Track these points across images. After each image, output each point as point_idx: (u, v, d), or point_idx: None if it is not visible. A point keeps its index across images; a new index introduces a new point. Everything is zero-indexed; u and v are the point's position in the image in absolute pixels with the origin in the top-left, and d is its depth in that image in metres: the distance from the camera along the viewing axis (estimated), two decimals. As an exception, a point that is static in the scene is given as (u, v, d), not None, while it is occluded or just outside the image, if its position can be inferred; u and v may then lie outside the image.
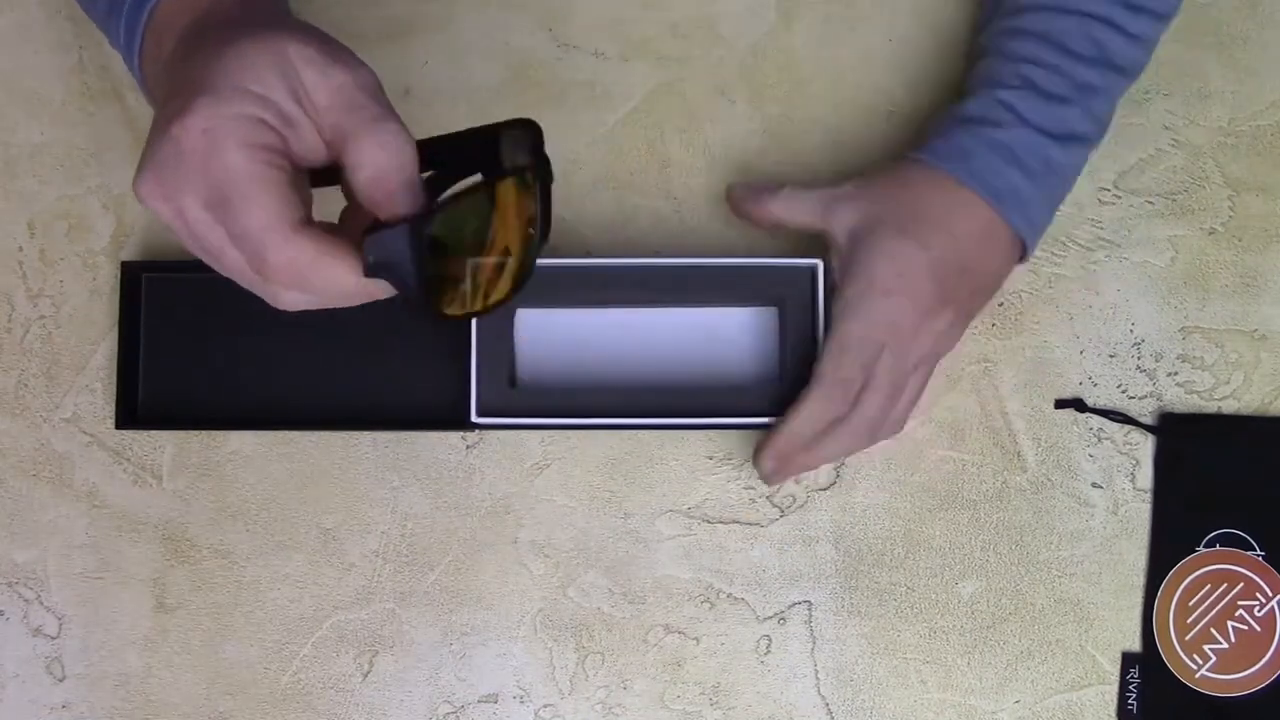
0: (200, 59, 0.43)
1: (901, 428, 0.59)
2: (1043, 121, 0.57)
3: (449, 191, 0.47)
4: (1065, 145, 0.58)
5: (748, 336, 0.63)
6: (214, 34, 0.44)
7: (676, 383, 0.62)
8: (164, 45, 0.48)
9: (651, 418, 0.60)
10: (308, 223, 0.43)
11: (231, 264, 0.43)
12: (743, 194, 0.62)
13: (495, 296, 0.47)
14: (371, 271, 0.43)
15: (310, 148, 0.44)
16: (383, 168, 0.43)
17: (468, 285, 0.46)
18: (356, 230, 0.44)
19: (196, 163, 0.42)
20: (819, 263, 0.60)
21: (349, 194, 0.45)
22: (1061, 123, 0.57)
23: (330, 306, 0.45)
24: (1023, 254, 0.60)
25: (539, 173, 0.47)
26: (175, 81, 0.44)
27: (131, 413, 0.63)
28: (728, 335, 0.63)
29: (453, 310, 0.46)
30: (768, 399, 0.60)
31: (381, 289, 0.44)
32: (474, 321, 0.60)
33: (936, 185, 0.57)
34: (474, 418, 0.60)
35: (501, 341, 0.60)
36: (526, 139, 0.48)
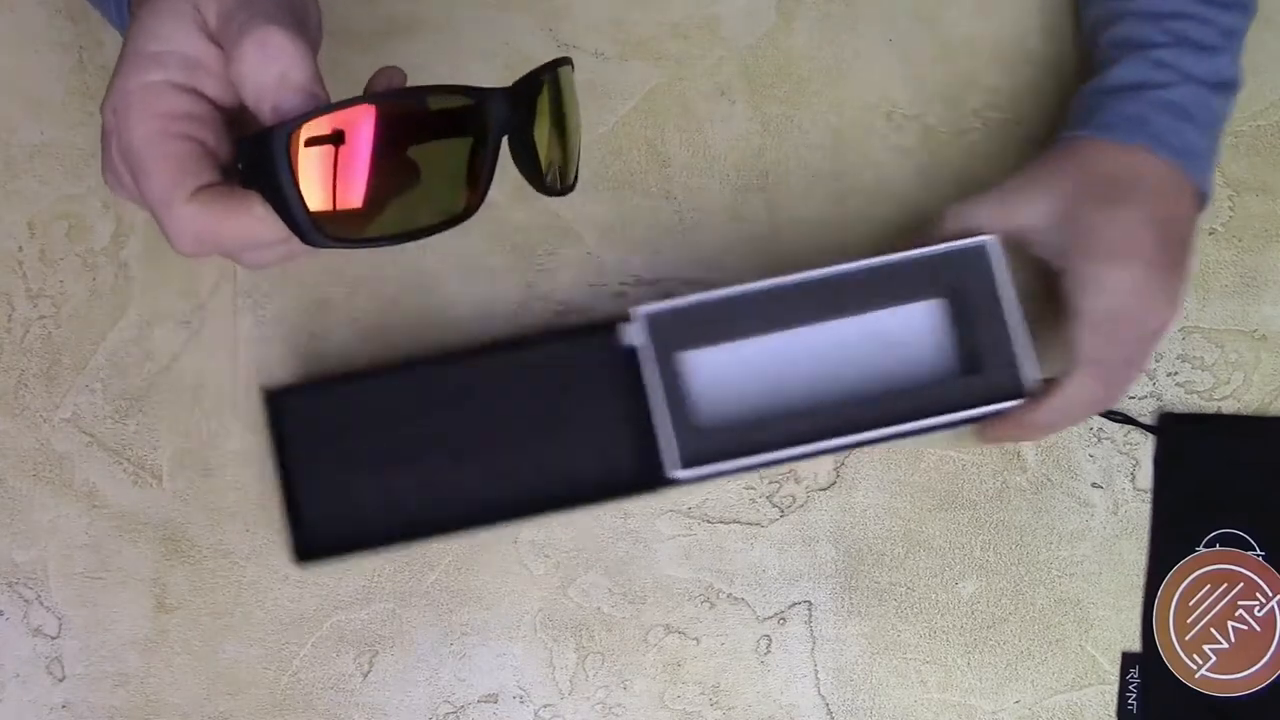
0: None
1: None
2: (1204, 74, 0.58)
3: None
4: (1223, 94, 0.59)
5: (916, 332, 0.59)
6: None
7: (861, 393, 0.58)
8: None
9: (860, 432, 0.56)
10: (209, 186, 0.42)
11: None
12: (917, 242, 0.58)
13: (415, 224, 0.43)
14: (244, 182, 0.42)
15: (220, 82, 0.43)
16: (258, 79, 0.41)
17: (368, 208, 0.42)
18: None
19: (115, 141, 0.42)
20: (990, 239, 0.57)
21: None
22: (1217, 72, 0.58)
23: (284, 260, 0.44)
24: (1203, 202, 0.59)
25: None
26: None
27: (308, 547, 0.58)
28: (897, 335, 0.59)
29: (336, 232, 0.42)
30: (956, 392, 0.57)
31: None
32: (649, 368, 0.56)
33: (1116, 156, 0.57)
34: (676, 473, 0.56)
35: (675, 387, 0.56)
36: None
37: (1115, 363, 0.56)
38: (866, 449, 0.64)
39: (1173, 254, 0.56)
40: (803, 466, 0.64)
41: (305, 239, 0.42)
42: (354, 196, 0.41)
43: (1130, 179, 0.56)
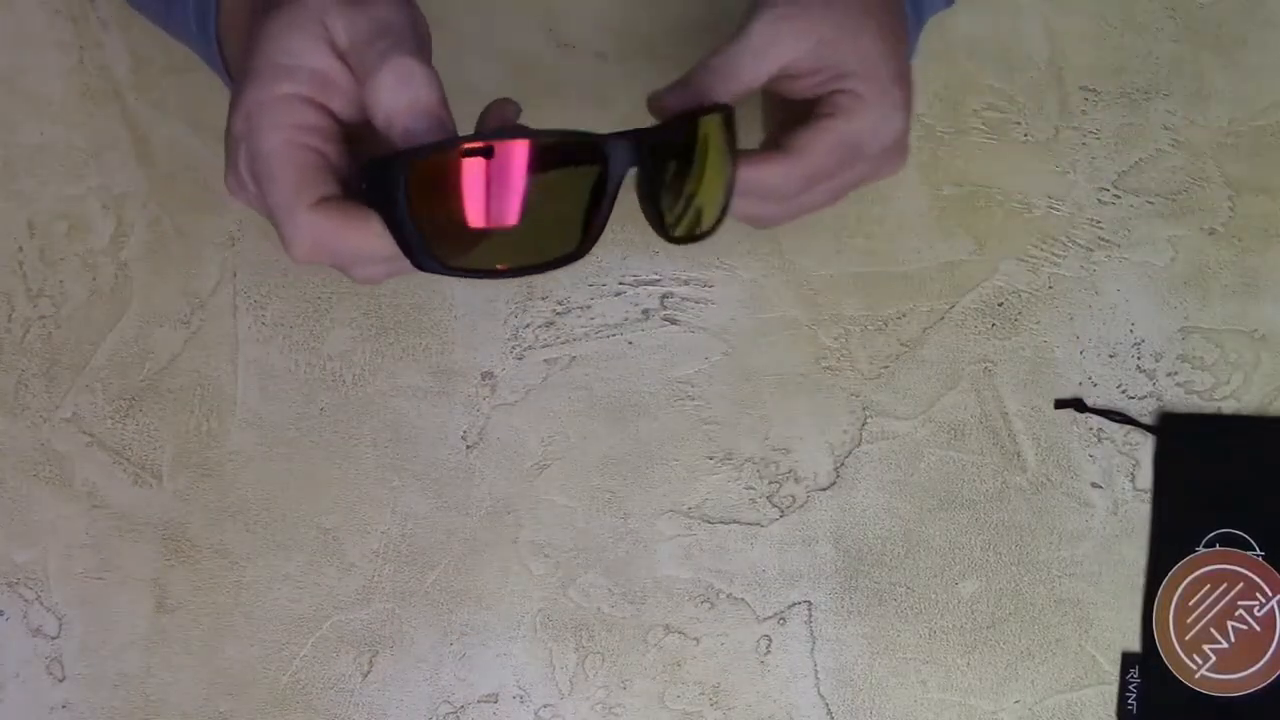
0: (250, 42, 0.44)
1: None
2: None
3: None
4: None
5: None
6: (261, 5, 0.45)
7: None
8: (238, 20, 0.49)
9: None
10: (331, 198, 0.44)
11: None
12: (667, 98, 0.51)
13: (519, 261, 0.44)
14: (367, 199, 0.43)
15: (347, 100, 0.44)
16: (391, 105, 0.43)
17: (486, 238, 0.43)
18: None
19: (244, 148, 0.44)
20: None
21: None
22: None
23: (393, 275, 0.45)
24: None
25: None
26: (240, 67, 0.45)
27: None
28: None
29: (446, 260, 0.43)
30: None
31: None
32: None
33: None
34: None
35: None
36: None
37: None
38: (866, 450, 0.64)
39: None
40: (803, 465, 0.64)
41: (415, 262, 0.43)
42: (467, 228, 0.43)
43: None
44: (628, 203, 0.66)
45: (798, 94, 0.51)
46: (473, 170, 0.42)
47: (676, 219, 0.48)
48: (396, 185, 0.42)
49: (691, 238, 0.49)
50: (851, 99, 0.49)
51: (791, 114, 0.52)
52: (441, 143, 0.42)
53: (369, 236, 0.43)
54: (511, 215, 0.43)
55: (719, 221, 0.50)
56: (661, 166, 0.46)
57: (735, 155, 0.49)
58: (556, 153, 0.43)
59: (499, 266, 0.44)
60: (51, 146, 0.66)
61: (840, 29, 0.49)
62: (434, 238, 0.43)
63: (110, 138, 0.66)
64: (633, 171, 0.45)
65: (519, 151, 0.42)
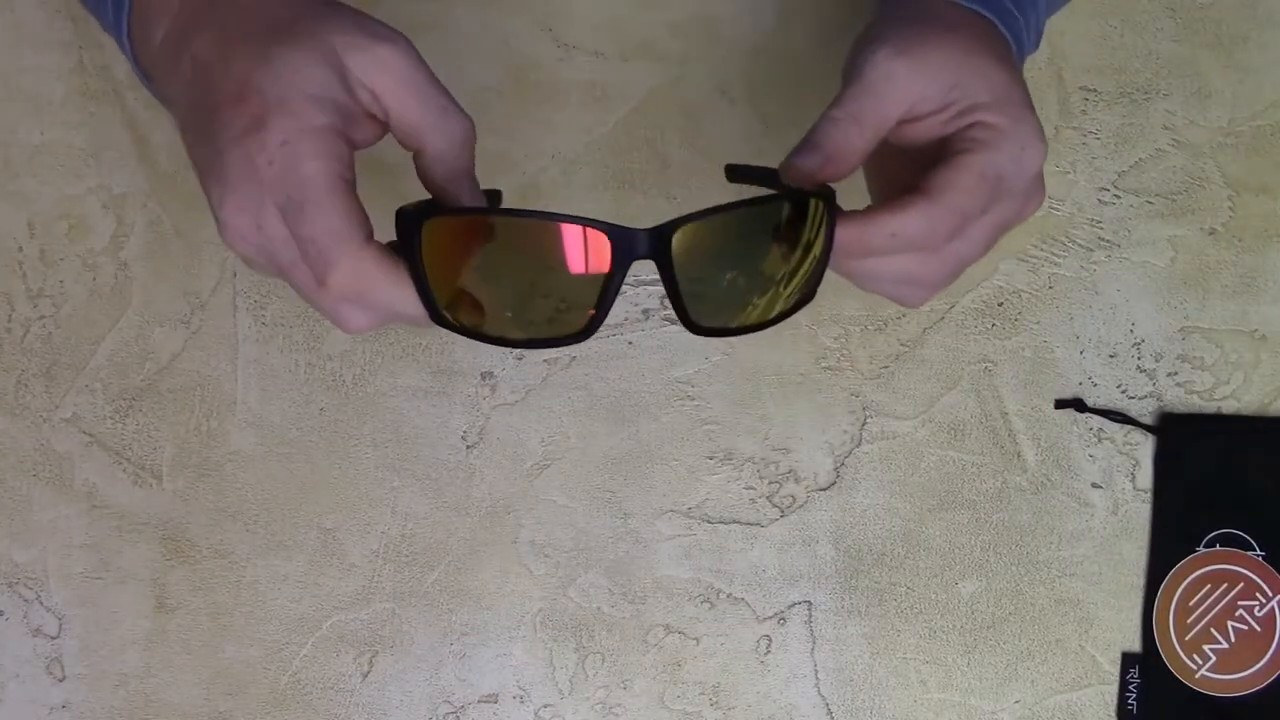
0: (240, 65, 0.42)
1: None
2: None
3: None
4: None
5: None
6: (237, 27, 0.43)
7: None
8: (152, 27, 0.46)
9: None
10: (372, 238, 0.43)
11: (302, 279, 0.43)
12: (799, 163, 0.46)
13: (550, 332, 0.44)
14: (397, 249, 0.43)
15: (365, 133, 0.44)
16: (446, 155, 0.44)
17: (507, 307, 0.44)
18: None
19: (275, 175, 0.41)
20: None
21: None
22: None
23: (392, 324, 0.45)
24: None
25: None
26: (211, 82, 0.43)
27: None
28: None
29: (457, 318, 0.44)
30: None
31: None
32: None
33: (972, 19, 0.49)
34: None
35: None
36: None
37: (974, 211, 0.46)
38: (866, 446, 0.64)
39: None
40: (803, 465, 0.64)
41: (431, 316, 0.43)
42: (479, 293, 0.43)
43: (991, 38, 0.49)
44: (626, 202, 0.66)
45: (920, 138, 0.46)
46: (485, 240, 0.43)
47: (707, 312, 0.45)
48: (415, 242, 0.42)
49: (717, 330, 0.45)
50: (987, 131, 0.45)
51: (907, 166, 0.47)
52: (455, 209, 0.43)
53: (408, 291, 0.43)
54: (519, 288, 0.44)
55: (796, 306, 0.46)
56: (686, 260, 0.44)
57: (830, 239, 0.44)
58: (572, 235, 0.43)
59: (506, 336, 0.44)
60: (51, 146, 0.66)
61: (963, 59, 0.45)
62: (446, 298, 0.43)
63: (110, 138, 0.66)
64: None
65: (531, 229, 0.43)
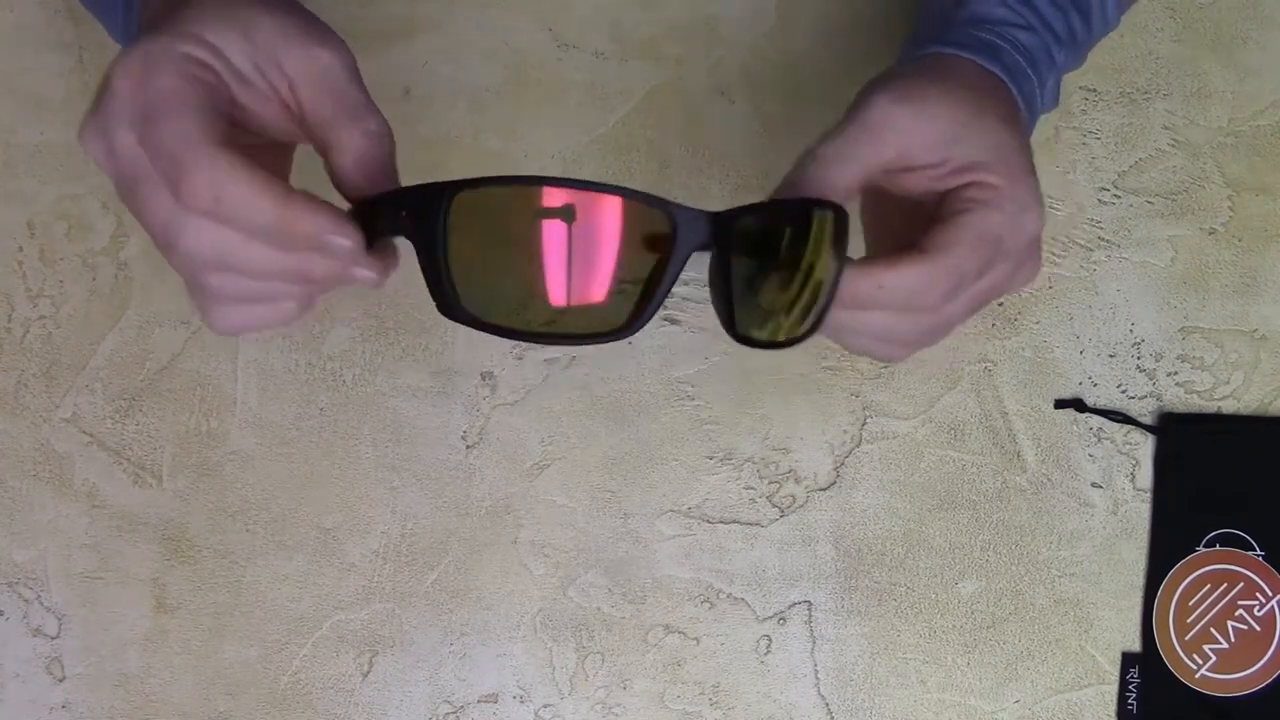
0: (175, 11, 0.41)
1: None
2: (1060, 29, 0.51)
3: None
4: (1068, 48, 0.53)
5: None
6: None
7: None
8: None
9: None
10: (236, 146, 0.39)
11: (156, 207, 0.40)
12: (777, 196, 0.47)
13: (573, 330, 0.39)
14: (408, 231, 0.39)
15: (265, 115, 0.42)
16: (367, 154, 0.42)
17: (529, 301, 0.39)
18: None
19: (128, 91, 0.39)
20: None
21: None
22: (1069, 29, 0.52)
23: (259, 277, 0.40)
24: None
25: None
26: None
27: None
28: None
29: (474, 309, 0.40)
30: None
31: (347, 256, 0.39)
32: None
33: (982, 75, 0.49)
34: None
35: None
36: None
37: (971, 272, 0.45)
38: (866, 446, 0.64)
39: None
40: (803, 465, 0.64)
41: (442, 309, 0.40)
42: (507, 280, 0.40)
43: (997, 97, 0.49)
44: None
45: (913, 190, 0.45)
46: (507, 215, 0.39)
47: (752, 318, 0.42)
48: (438, 217, 0.38)
49: (767, 343, 0.42)
50: (986, 191, 0.44)
51: (905, 222, 0.46)
52: (506, 177, 0.39)
53: (263, 195, 0.38)
54: (560, 275, 0.39)
55: (810, 331, 0.43)
56: (744, 256, 0.41)
57: (842, 261, 0.42)
58: (623, 213, 0.39)
59: (532, 329, 0.39)
60: (51, 146, 0.66)
61: (967, 115, 0.44)
62: (463, 284, 0.39)
63: (110, 138, 0.66)
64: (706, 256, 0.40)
65: (588, 204, 0.38)
